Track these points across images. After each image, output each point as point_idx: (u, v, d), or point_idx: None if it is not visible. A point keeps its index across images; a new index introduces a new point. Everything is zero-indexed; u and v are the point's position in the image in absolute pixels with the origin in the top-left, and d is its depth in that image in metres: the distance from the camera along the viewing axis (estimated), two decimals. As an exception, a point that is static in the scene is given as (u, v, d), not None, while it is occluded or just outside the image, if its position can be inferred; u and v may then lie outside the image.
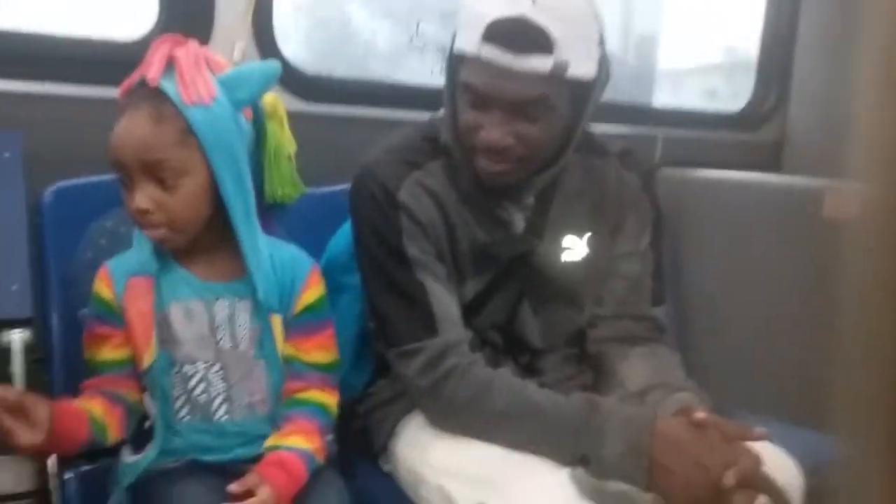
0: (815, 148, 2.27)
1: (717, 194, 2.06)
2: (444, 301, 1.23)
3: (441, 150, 1.28)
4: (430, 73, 1.87)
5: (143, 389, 1.18)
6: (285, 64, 1.61)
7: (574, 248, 1.34)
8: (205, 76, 1.09)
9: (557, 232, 1.33)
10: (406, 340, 1.22)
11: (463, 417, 1.20)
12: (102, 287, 1.17)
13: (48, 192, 1.28)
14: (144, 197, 1.08)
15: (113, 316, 1.16)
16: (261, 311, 1.17)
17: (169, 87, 1.07)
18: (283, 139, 1.24)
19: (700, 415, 1.11)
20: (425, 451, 1.24)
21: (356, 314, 1.41)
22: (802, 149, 2.34)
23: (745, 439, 1.12)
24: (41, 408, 1.01)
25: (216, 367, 1.16)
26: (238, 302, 1.17)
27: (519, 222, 1.29)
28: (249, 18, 1.52)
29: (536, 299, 1.34)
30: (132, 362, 1.16)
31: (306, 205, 1.59)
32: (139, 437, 1.19)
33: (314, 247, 1.50)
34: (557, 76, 1.13)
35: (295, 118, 1.61)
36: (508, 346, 1.35)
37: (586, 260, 1.35)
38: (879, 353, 0.42)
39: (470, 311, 1.29)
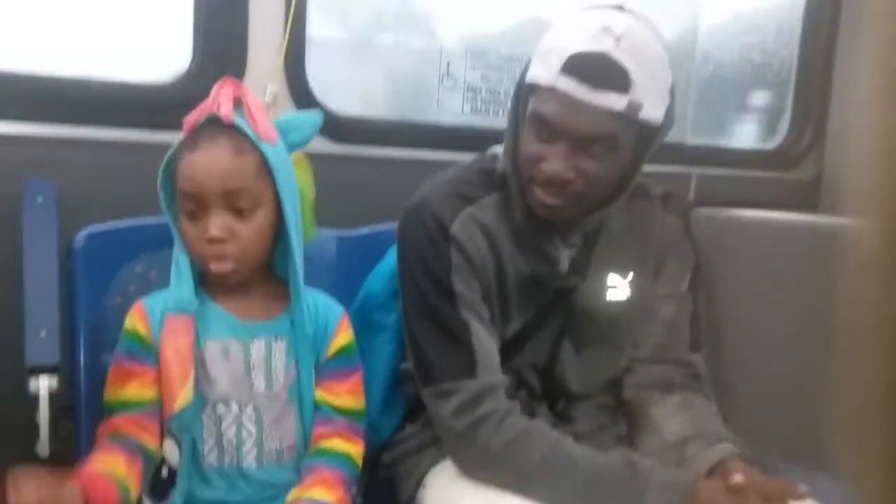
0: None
1: (753, 234, 2.01)
2: (486, 343, 1.21)
3: (496, 184, 1.27)
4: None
5: (163, 434, 1.15)
6: (316, 105, 1.61)
7: (618, 287, 1.33)
8: (268, 117, 1.15)
9: (601, 271, 1.31)
10: (443, 379, 1.20)
11: (496, 466, 1.17)
12: (137, 322, 1.15)
13: (79, 237, 1.27)
14: (220, 225, 1.10)
15: (146, 352, 1.14)
16: (299, 352, 1.17)
17: (242, 123, 1.12)
18: (309, 185, 1.26)
19: (738, 478, 1.08)
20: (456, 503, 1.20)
21: (389, 354, 1.40)
22: (841, 188, 2.28)
23: (787, 498, 1.08)
24: (71, 495, 0.95)
25: (249, 409, 1.15)
26: (274, 342, 1.17)
27: (564, 261, 1.28)
28: (282, 60, 1.51)
29: (578, 339, 1.32)
30: (156, 404, 1.13)
31: (338, 246, 1.58)
32: (157, 485, 1.15)
33: (345, 288, 1.49)
34: (629, 117, 1.13)
35: (326, 160, 1.61)
36: (545, 391, 1.32)
37: (630, 300, 1.33)
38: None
39: (510, 350, 1.27)
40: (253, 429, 1.15)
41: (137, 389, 1.13)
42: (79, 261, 1.26)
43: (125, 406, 1.12)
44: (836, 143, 2.31)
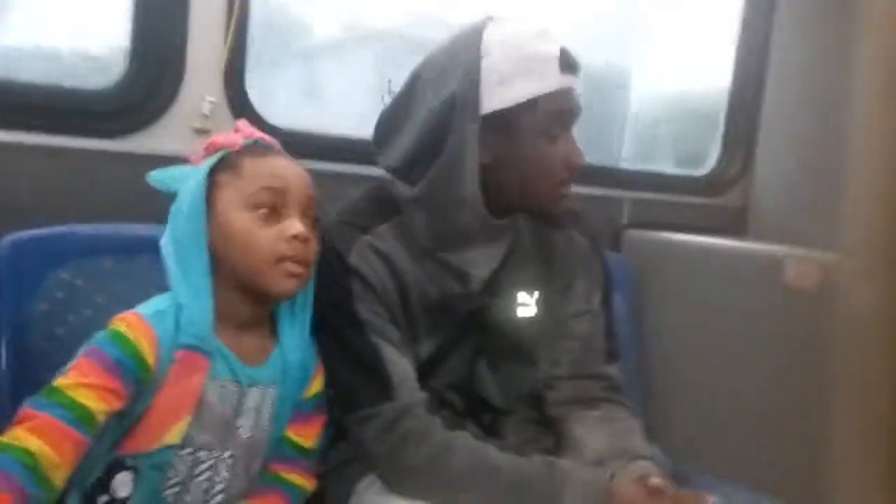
0: (780, 214, 2.29)
1: (682, 257, 2.07)
2: (399, 364, 1.23)
3: (390, 213, 1.29)
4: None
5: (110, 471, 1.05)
6: (258, 119, 1.59)
7: (527, 304, 1.36)
8: None
9: (511, 288, 1.34)
10: (362, 405, 1.21)
11: (421, 480, 1.19)
12: (145, 344, 1.01)
13: (3, 244, 1.24)
14: (304, 227, 1.09)
15: (135, 377, 1.00)
16: (285, 401, 1.17)
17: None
18: None
19: (656, 480, 1.14)
20: (384, 518, 1.21)
21: None
22: (767, 215, 2.36)
23: None
24: None
25: (226, 455, 1.12)
26: (268, 389, 1.15)
27: (476, 278, 1.30)
28: (222, 70, 1.50)
29: (494, 356, 1.34)
30: (94, 425, 0.97)
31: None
32: None
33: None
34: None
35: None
36: (468, 407, 1.34)
37: (538, 318, 1.36)
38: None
39: (426, 371, 1.29)
40: (227, 475, 1.12)
41: (93, 400, 0.97)
42: (3, 268, 1.23)
43: (64, 407, 0.95)
44: (764, 171, 2.38)
